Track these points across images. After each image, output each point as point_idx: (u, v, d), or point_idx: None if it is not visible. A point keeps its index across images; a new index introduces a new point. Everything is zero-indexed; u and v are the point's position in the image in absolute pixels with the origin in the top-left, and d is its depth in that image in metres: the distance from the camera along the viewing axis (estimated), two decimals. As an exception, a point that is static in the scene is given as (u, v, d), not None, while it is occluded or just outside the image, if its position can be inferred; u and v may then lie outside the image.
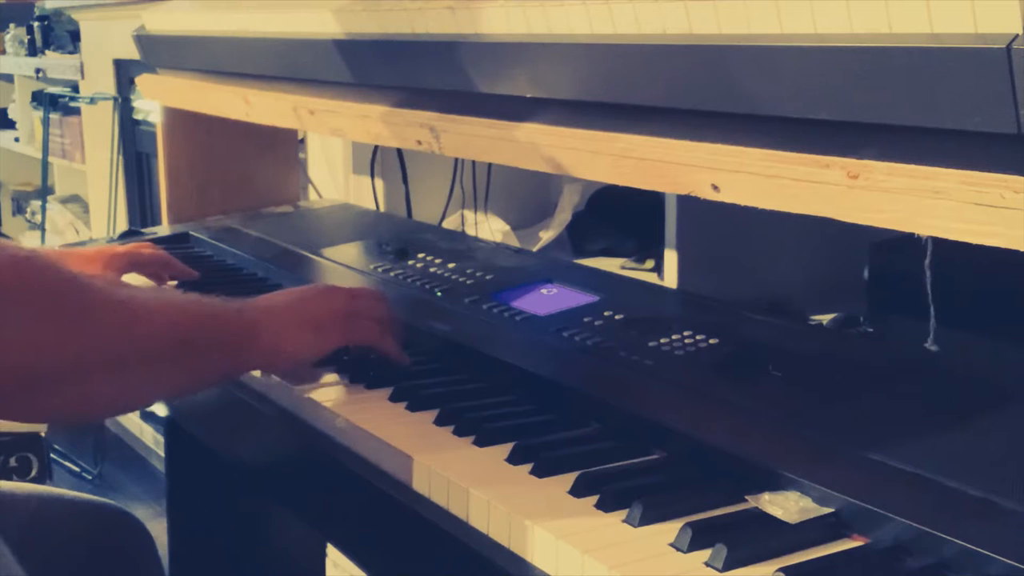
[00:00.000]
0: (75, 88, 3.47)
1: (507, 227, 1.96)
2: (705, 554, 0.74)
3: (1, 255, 0.80)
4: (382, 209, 2.03)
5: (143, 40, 1.89)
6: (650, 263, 1.70)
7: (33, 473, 2.59)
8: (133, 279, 1.46)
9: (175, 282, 1.49)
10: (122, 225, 3.14)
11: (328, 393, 1.07)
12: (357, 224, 1.80)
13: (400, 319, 1.16)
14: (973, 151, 0.70)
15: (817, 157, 0.80)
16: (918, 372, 1.00)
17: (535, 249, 1.86)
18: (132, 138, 3.18)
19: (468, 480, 0.85)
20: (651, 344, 1.07)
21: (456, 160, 1.89)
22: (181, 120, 1.88)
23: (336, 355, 1.15)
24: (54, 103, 3.58)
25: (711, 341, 1.06)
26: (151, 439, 3.26)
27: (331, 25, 1.32)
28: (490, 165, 1.87)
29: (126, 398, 0.96)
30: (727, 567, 0.72)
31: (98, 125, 3.24)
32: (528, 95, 1.05)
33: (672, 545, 0.75)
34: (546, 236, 1.91)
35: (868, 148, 0.77)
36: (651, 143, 0.94)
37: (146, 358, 0.91)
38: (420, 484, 0.89)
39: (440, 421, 0.98)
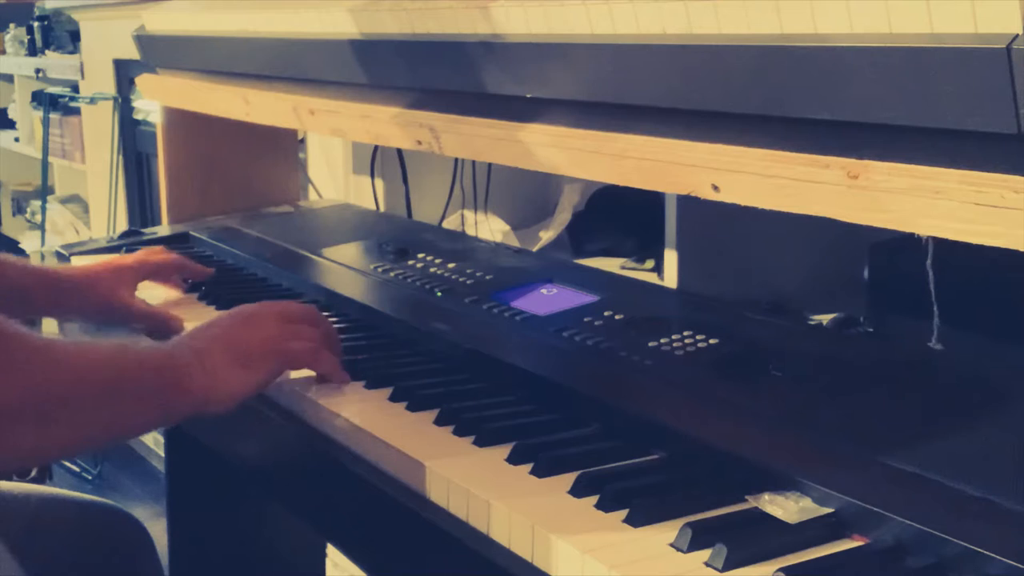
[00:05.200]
0: (75, 88, 3.47)
1: (507, 227, 1.96)
2: (705, 554, 0.74)
3: None
4: (382, 209, 2.03)
5: (143, 40, 1.89)
6: (650, 263, 1.69)
7: (33, 473, 2.59)
8: (149, 288, 1.42)
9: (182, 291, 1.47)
10: (122, 225, 3.14)
11: (328, 393, 1.07)
12: (357, 224, 1.80)
13: (336, 332, 1.13)
14: (973, 151, 0.70)
15: (817, 157, 0.80)
16: (918, 372, 1.00)
17: (535, 249, 1.85)
18: (132, 138, 3.18)
19: (468, 480, 0.85)
20: (651, 344, 1.07)
21: (456, 160, 1.89)
22: (181, 120, 1.88)
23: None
24: (54, 103, 3.59)
25: (711, 341, 1.06)
26: (151, 439, 3.26)
27: (331, 25, 1.32)
28: (490, 165, 1.87)
29: (51, 447, 0.91)
30: (727, 567, 0.72)
31: (98, 125, 3.24)
32: (528, 95, 1.05)
33: (672, 545, 0.75)
34: (546, 236, 1.91)
35: (868, 148, 0.77)
36: (651, 143, 0.94)
37: (68, 406, 0.88)
38: (420, 484, 0.89)
39: (440, 421, 0.98)
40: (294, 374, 1.11)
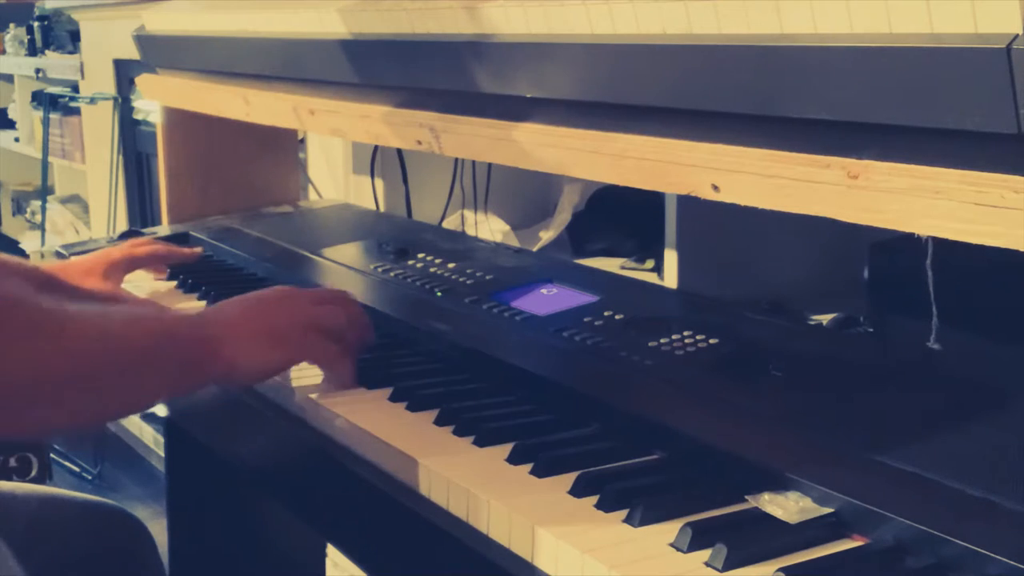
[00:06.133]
0: (75, 88, 3.47)
1: (507, 227, 1.96)
2: (705, 554, 0.74)
3: None
4: (382, 209, 2.03)
5: (143, 40, 1.89)
6: (650, 263, 1.69)
7: (33, 473, 2.59)
8: (137, 277, 1.45)
9: (173, 283, 1.49)
10: (122, 225, 3.14)
11: (328, 393, 1.07)
12: (357, 224, 1.80)
13: (369, 317, 1.12)
14: (973, 151, 0.70)
15: (817, 157, 0.80)
16: (918, 372, 1.00)
17: (535, 249, 1.85)
18: (132, 138, 3.18)
19: (468, 480, 0.85)
20: (651, 344, 1.07)
21: (456, 160, 1.89)
22: (181, 120, 1.88)
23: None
24: (54, 103, 3.59)
25: (711, 341, 1.06)
26: (151, 439, 3.26)
27: (331, 25, 1.32)
28: (490, 165, 1.87)
29: (83, 416, 0.93)
30: (727, 567, 0.72)
31: (98, 125, 3.24)
32: (528, 95, 1.05)
33: (672, 545, 0.75)
34: (546, 236, 1.91)
35: (868, 148, 0.77)
36: (651, 143, 0.94)
37: (98, 377, 0.89)
38: (420, 484, 0.89)
39: (440, 421, 0.98)
40: (294, 375, 1.11)
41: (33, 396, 0.84)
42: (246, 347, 1.00)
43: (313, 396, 1.06)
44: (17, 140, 4.26)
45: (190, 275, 1.49)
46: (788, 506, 0.78)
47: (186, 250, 1.51)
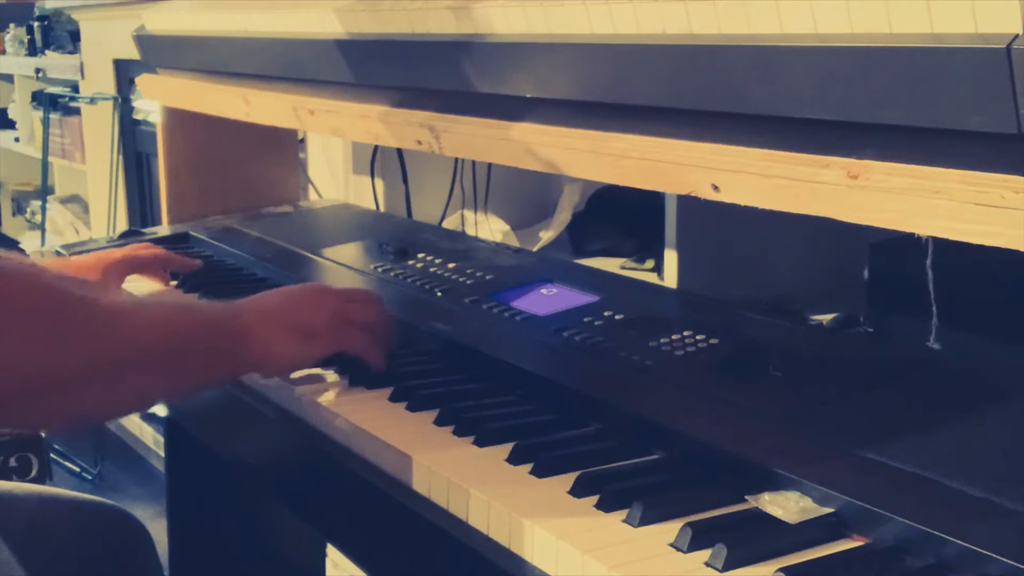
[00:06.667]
0: (75, 88, 3.47)
1: (507, 227, 1.96)
2: (705, 554, 0.74)
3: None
4: (382, 209, 2.03)
5: (143, 40, 1.89)
6: (650, 263, 1.69)
7: (33, 473, 2.59)
8: (135, 281, 1.45)
9: (174, 283, 1.49)
10: (122, 225, 3.14)
11: (328, 393, 1.07)
12: (357, 224, 1.80)
13: (396, 319, 1.15)
14: (973, 151, 0.70)
15: (817, 157, 0.80)
16: (918, 372, 1.00)
17: (535, 249, 1.85)
18: (132, 138, 3.18)
19: (468, 480, 0.85)
20: (651, 344, 1.07)
21: (456, 160, 1.89)
22: (181, 120, 1.88)
23: (336, 355, 1.15)
24: (54, 103, 3.59)
25: (711, 341, 1.06)
26: (151, 439, 3.26)
27: (331, 25, 1.32)
28: (490, 165, 1.87)
29: (115, 404, 0.96)
30: (727, 567, 0.72)
31: (98, 125, 3.24)
32: (528, 95, 1.05)
33: (672, 545, 0.75)
34: (546, 236, 1.91)
35: (868, 148, 0.77)
36: (651, 143, 0.94)
37: (133, 365, 0.91)
38: (420, 484, 0.89)
39: (440, 421, 0.98)
40: (294, 376, 1.11)
41: (87, 383, 0.87)
42: (280, 338, 1.03)
43: (313, 396, 1.06)
44: (17, 140, 4.26)
45: (191, 275, 1.49)
46: (788, 506, 0.78)
47: (188, 260, 1.52)
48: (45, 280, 0.86)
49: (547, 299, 1.24)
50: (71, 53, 3.63)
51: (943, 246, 0.81)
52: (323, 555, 1.88)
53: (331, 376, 1.11)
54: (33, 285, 0.85)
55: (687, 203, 1.35)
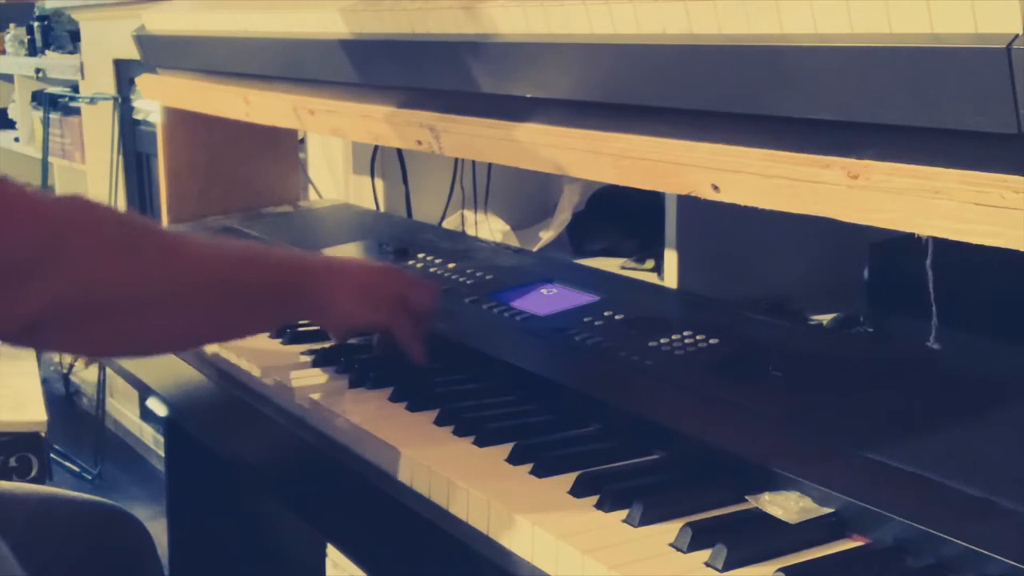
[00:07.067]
0: (75, 88, 3.47)
1: (507, 227, 1.96)
2: (705, 554, 0.74)
3: (74, 201, 0.91)
4: (382, 209, 2.03)
5: (143, 40, 1.89)
6: (650, 263, 1.69)
7: (33, 473, 2.58)
8: None
9: None
10: (122, 225, 3.13)
11: (328, 393, 1.07)
12: (357, 224, 1.80)
13: (438, 317, 1.18)
14: (973, 151, 0.70)
15: (817, 157, 0.80)
16: (918, 372, 1.00)
17: (535, 249, 1.85)
18: (132, 138, 3.18)
19: (468, 480, 0.85)
20: (651, 344, 1.07)
21: (456, 160, 1.89)
22: (181, 120, 1.87)
23: (336, 355, 1.15)
24: (54, 103, 3.58)
25: (711, 341, 1.06)
26: (151, 439, 3.26)
27: (331, 25, 1.32)
28: (490, 165, 1.87)
29: (179, 334, 1.01)
30: (727, 567, 0.72)
31: (98, 125, 3.24)
32: (528, 95, 1.05)
33: (672, 545, 0.75)
34: (546, 236, 1.91)
35: (868, 148, 0.77)
36: (651, 143, 0.94)
37: (200, 294, 0.97)
38: (420, 484, 0.89)
39: (440, 421, 0.98)
40: (294, 375, 1.11)
41: (153, 308, 0.93)
42: (343, 294, 1.08)
43: (313, 396, 1.06)
44: (17, 140, 4.25)
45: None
46: (788, 506, 0.78)
47: None
48: (123, 217, 0.94)
49: (547, 299, 1.24)
50: (71, 53, 3.63)
51: (943, 246, 0.81)
52: (323, 555, 1.88)
53: (331, 376, 1.11)
54: (111, 219, 0.92)
55: (687, 203, 1.35)
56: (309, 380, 1.10)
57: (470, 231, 1.89)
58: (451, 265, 1.40)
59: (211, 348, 1.24)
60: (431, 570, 0.90)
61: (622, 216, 1.81)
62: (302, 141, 2.16)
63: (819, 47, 0.77)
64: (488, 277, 1.34)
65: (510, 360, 1.09)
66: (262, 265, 1.05)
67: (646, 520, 0.78)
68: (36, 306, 0.85)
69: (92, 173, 3.38)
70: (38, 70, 3.78)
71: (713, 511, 0.80)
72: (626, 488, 0.82)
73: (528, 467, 0.88)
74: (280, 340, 1.24)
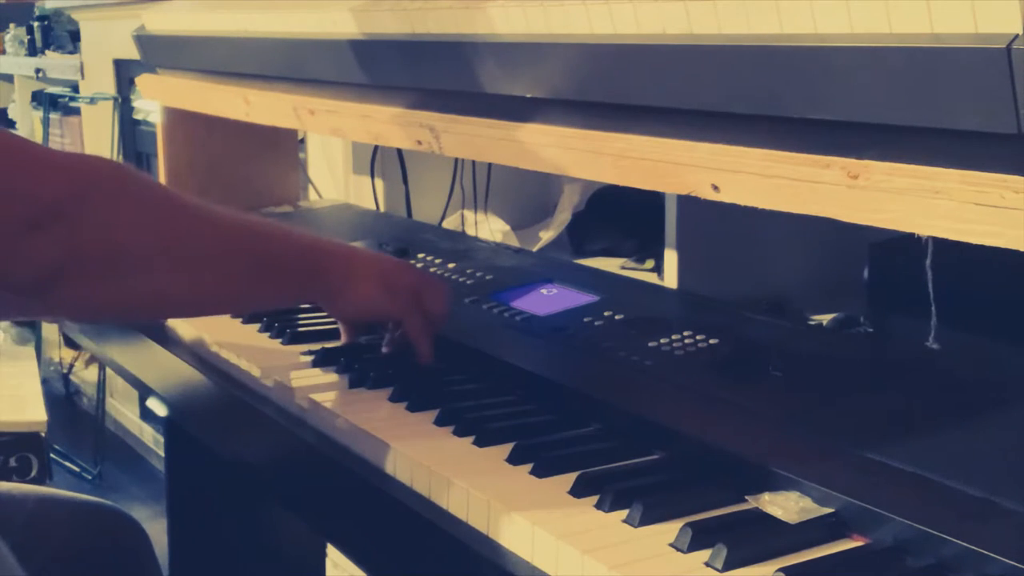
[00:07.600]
0: (75, 88, 3.47)
1: (507, 227, 1.96)
2: (705, 554, 0.74)
3: (110, 163, 0.94)
4: (382, 209, 2.03)
5: (143, 40, 1.89)
6: (650, 263, 1.69)
7: (33, 473, 2.59)
8: None
9: None
10: (122, 225, 3.13)
11: (328, 393, 1.07)
12: (357, 224, 1.80)
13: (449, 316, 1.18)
14: (973, 151, 0.70)
15: (817, 157, 0.80)
16: (918, 372, 1.00)
17: (535, 249, 1.85)
18: (132, 138, 3.18)
19: (468, 480, 0.85)
20: (651, 344, 1.07)
21: (456, 160, 1.89)
22: (181, 120, 1.87)
23: (336, 355, 1.15)
24: (54, 103, 3.58)
25: (711, 341, 1.06)
26: (151, 439, 3.26)
27: (332, 25, 1.32)
28: (490, 165, 1.87)
29: (200, 297, 1.01)
30: (727, 567, 0.72)
31: (98, 125, 3.24)
32: (528, 95, 1.05)
33: (672, 545, 0.75)
34: (546, 236, 1.91)
35: (868, 148, 0.77)
36: (651, 143, 0.94)
37: (215, 260, 0.98)
38: (420, 484, 0.89)
39: (440, 421, 0.98)
40: (294, 375, 1.11)
41: (169, 268, 0.94)
42: (358, 281, 1.08)
43: (313, 396, 1.06)
44: (17, 140, 4.25)
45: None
46: (788, 506, 0.78)
47: None
48: (153, 181, 0.98)
49: (547, 299, 1.24)
50: (71, 53, 3.63)
51: (943, 246, 0.80)
52: (323, 555, 1.88)
53: (331, 376, 1.11)
54: (142, 182, 0.95)
55: (687, 203, 1.35)
56: (309, 380, 1.10)
57: (470, 231, 1.89)
58: (451, 265, 1.40)
59: (211, 348, 1.24)
60: (431, 570, 0.90)
61: (622, 216, 1.81)
62: (302, 141, 2.16)
63: (819, 47, 0.77)
64: (488, 277, 1.34)
65: (510, 360, 1.09)
66: (286, 239, 1.06)
67: (646, 520, 0.78)
68: (58, 253, 0.85)
69: (92, 173, 3.37)
70: (38, 70, 3.78)
71: (713, 511, 0.80)
72: (626, 488, 0.82)
73: (528, 467, 0.88)
74: (280, 340, 1.24)
